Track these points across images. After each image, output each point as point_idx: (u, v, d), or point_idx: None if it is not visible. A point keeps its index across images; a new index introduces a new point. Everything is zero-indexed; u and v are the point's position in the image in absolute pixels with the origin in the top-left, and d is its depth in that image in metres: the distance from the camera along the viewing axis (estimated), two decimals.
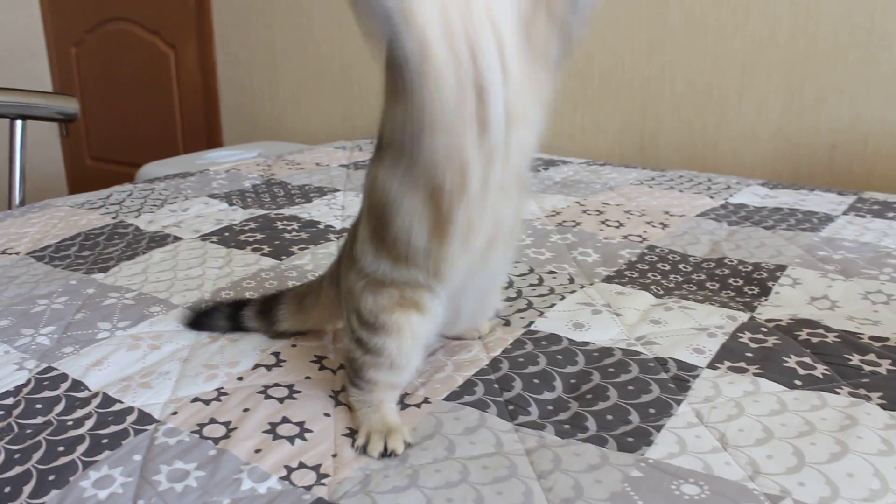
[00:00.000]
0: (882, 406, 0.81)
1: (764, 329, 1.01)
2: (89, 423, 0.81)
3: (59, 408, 0.85)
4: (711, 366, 0.90)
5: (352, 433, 0.79)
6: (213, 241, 1.41)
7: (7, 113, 1.91)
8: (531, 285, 1.17)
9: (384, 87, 0.71)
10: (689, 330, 1.01)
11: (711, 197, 1.72)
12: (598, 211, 1.59)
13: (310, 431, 0.79)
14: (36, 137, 3.80)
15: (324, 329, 1.02)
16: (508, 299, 1.11)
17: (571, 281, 1.20)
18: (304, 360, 0.95)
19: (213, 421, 0.81)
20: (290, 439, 0.77)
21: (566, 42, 0.72)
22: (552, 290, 1.15)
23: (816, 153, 2.11)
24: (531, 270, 1.24)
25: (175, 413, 0.83)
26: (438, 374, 0.90)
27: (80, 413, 0.83)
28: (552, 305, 1.09)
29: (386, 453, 0.74)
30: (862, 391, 0.84)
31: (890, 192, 2.00)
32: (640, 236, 1.42)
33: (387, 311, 0.79)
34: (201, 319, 1.04)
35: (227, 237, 1.44)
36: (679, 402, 0.82)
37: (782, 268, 1.23)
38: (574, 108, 2.43)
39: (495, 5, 0.66)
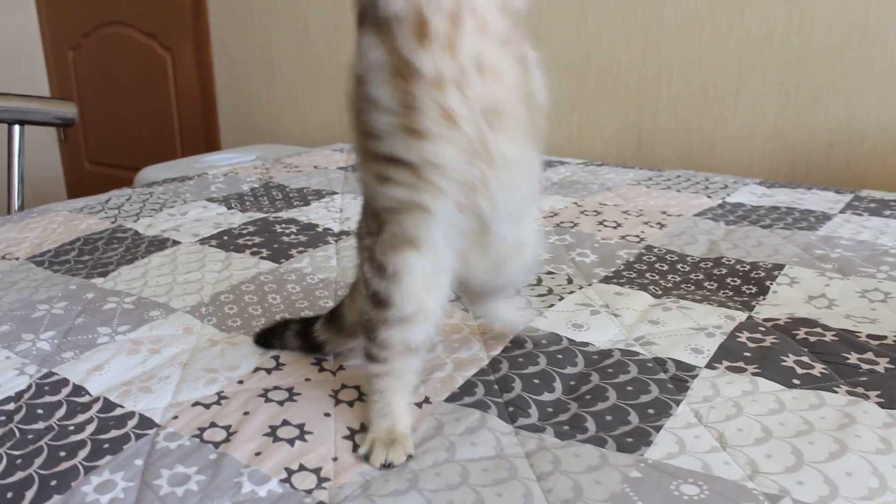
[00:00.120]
0: (880, 404, 0.81)
1: (762, 328, 1.01)
2: (90, 428, 0.81)
3: (61, 413, 0.85)
4: (710, 366, 0.91)
5: (352, 435, 0.79)
6: (211, 245, 1.41)
7: (5, 118, 1.91)
8: (530, 286, 1.18)
9: None
10: (687, 330, 1.01)
11: (709, 196, 1.72)
12: (595, 211, 1.59)
13: (310, 433, 0.79)
14: (34, 142, 3.80)
15: None
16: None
17: (570, 281, 1.20)
18: (304, 362, 0.95)
19: (213, 425, 0.81)
20: (291, 441, 0.78)
21: None
22: (551, 291, 1.16)
23: (813, 152, 2.11)
24: None
25: (176, 417, 0.83)
26: (438, 373, 0.90)
27: (81, 418, 0.84)
28: (551, 306, 1.10)
29: (387, 464, 0.74)
30: (860, 390, 0.84)
31: (886, 189, 2.01)
32: (637, 236, 1.42)
33: (387, 252, 0.75)
34: (269, 338, 1.00)
35: (226, 241, 1.44)
36: (678, 403, 0.82)
37: (780, 267, 1.24)
38: (571, 109, 2.44)
39: None
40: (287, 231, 1.49)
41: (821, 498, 0.66)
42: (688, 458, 0.73)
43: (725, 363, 0.91)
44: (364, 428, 0.80)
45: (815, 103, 2.08)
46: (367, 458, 0.74)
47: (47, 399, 0.88)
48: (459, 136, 0.68)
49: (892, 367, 0.90)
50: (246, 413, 0.83)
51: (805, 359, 0.92)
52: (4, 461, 0.76)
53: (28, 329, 1.06)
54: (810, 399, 0.82)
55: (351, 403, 0.85)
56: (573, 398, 0.85)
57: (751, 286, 1.17)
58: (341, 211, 1.64)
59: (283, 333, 0.99)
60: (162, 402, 0.87)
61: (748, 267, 1.25)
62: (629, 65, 2.32)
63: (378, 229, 0.76)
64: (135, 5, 3.45)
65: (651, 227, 1.48)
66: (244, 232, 1.49)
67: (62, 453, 0.77)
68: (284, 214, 1.62)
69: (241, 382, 0.90)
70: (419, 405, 0.84)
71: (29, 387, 0.90)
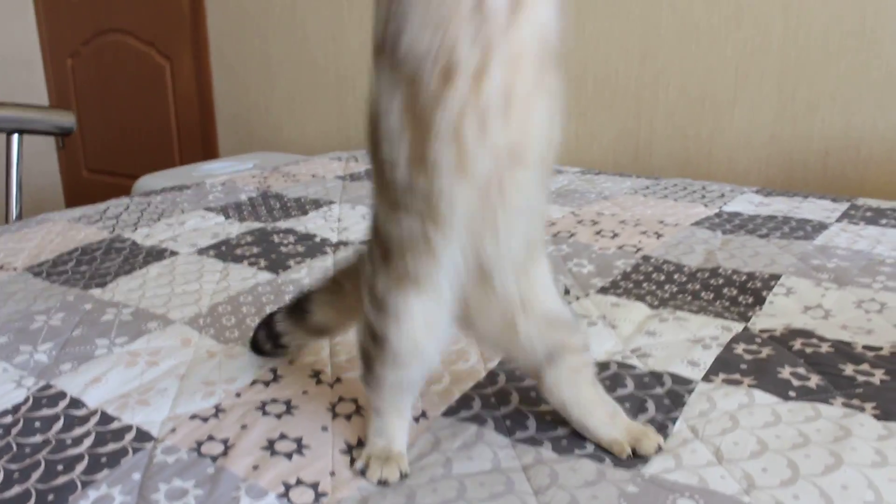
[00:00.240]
0: (876, 416, 0.81)
1: (758, 339, 1.01)
2: (88, 442, 0.82)
3: (58, 426, 0.85)
4: (706, 378, 0.91)
5: (350, 450, 0.79)
6: (209, 256, 1.42)
7: (4, 127, 1.91)
8: None
9: None
10: (683, 341, 1.01)
11: (706, 205, 1.73)
12: (592, 221, 1.59)
13: (307, 447, 0.79)
14: (32, 149, 3.81)
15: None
16: None
17: (567, 292, 1.20)
18: (302, 374, 0.95)
19: (211, 438, 0.81)
20: (288, 455, 0.78)
21: None
22: None
23: (810, 159, 2.12)
24: None
25: (173, 430, 0.83)
26: (436, 386, 0.90)
27: (78, 431, 0.84)
28: None
29: (382, 481, 0.73)
30: (856, 402, 0.85)
31: (883, 197, 2.01)
32: (634, 246, 1.43)
33: (391, 289, 0.73)
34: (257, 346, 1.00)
35: (224, 251, 1.44)
36: (674, 421, 0.82)
37: (776, 277, 1.24)
38: (568, 117, 2.44)
39: None
40: (285, 241, 1.50)
41: None
42: (684, 472, 0.73)
43: (722, 375, 0.91)
44: (361, 442, 0.80)
45: (812, 111, 2.09)
46: (363, 472, 0.74)
47: (45, 412, 0.88)
48: (475, 179, 0.65)
49: (888, 378, 0.90)
50: (244, 426, 0.83)
51: (801, 370, 0.92)
52: (2, 475, 0.76)
53: (26, 341, 1.06)
54: (806, 411, 0.83)
55: (348, 417, 0.85)
56: None
57: (747, 296, 1.18)
58: (339, 221, 1.64)
59: (258, 336, 0.99)
60: (160, 414, 0.87)
61: (745, 277, 1.25)
62: (626, 73, 2.33)
63: (382, 258, 0.74)
64: (133, 13, 3.46)
65: (648, 236, 1.48)
66: (242, 242, 1.49)
67: (60, 467, 0.77)
68: (282, 224, 1.62)
69: (238, 395, 0.90)
70: (416, 419, 0.84)
71: (26, 399, 0.91)
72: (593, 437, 0.78)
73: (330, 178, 2.09)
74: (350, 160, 2.33)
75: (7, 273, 1.36)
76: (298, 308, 0.93)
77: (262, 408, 0.87)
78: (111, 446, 0.81)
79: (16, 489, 0.74)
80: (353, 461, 0.77)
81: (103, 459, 0.78)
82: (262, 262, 1.37)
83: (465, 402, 0.87)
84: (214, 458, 0.78)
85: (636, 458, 0.76)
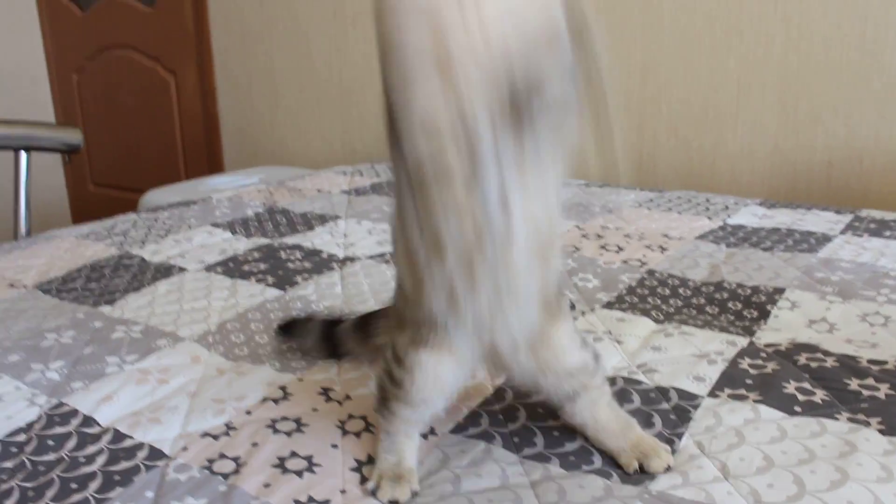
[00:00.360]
0: (881, 431, 0.82)
1: (763, 354, 1.02)
2: (101, 460, 0.83)
3: (71, 444, 0.86)
4: (712, 394, 0.92)
5: (360, 467, 0.80)
6: (217, 272, 1.43)
7: (12, 145, 1.93)
8: None
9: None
10: (689, 356, 1.02)
11: (709, 218, 1.74)
12: (597, 235, 1.60)
13: (318, 465, 0.80)
14: (39, 164, 3.82)
15: None
16: None
17: (573, 307, 1.21)
18: (311, 392, 0.96)
19: (222, 456, 0.82)
20: (299, 473, 0.79)
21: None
22: None
23: (813, 170, 2.13)
24: None
25: (185, 448, 0.84)
26: None
27: (91, 449, 0.85)
28: None
29: (393, 501, 0.74)
30: (861, 416, 0.85)
31: (886, 208, 2.02)
32: (639, 260, 1.44)
33: (408, 348, 0.77)
34: (291, 329, 1.08)
35: (232, 267, 1.45)
36: (681, 436, 0.83)
37: (781, 290, 1.25)
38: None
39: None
40: (292, 257, 1.51)
41: None
42: (691, 489, 0.73)
43: (727, 391, 0.92)
44: (371, 460, 0.81)
45: (814, 122, 2.10)
46: (374, 493, 0.75)
47: (58, 430, 0.89)
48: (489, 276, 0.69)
49: (893, 393, 0.90)
50: (254, 444, 0.84)
51: (806, 385, 0.93)
52: (17, 494, 0.77)
53: (37, 359, 1.07)
54: (812, 426, 0.83)
55: (358, 434, 0.86)
56: None
57: (752, 310, 1.18)
58: (345, 237, 1.65)
59: (306, 326, 1.05)
60: (171, 432, 0.88)
61: (749, 291, 1.26)
62: (629, 86, 2.34)
63: (400, 315, 0.79)
64: (138, 29, 3.49)
65: (653, 250, 1.49)
66: (250, 258, 1.51)
67: (74, 485, 0.78)
68: (289, 240, 1.63)
69: (249, 413, 0.91)
70: (425, 436, 0.85)
71: (39, 417, 0.92)
72: (605, 448, 0.80)
73: (335, 192, 2.10)
74: (355, 174, 2.35)
75: (17, 290, 1.37)
76: (365, 325, 0.99)
77: (273, 425, 0.88)
78: (124, 464, 0.82)
79: None
80: (363, 479, 0.78)
81: (116, 477, 0.79)
82: (270, 279, 1.38)
83: (473, 418, 0.88)
84: (226, 476, 0.79)
85: (643, 473, 0.77)
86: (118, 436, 0.87)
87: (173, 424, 0.89)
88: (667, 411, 0.88)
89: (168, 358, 1.07)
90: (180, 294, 1.32)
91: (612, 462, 0.79)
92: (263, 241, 1.63)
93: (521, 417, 0.88)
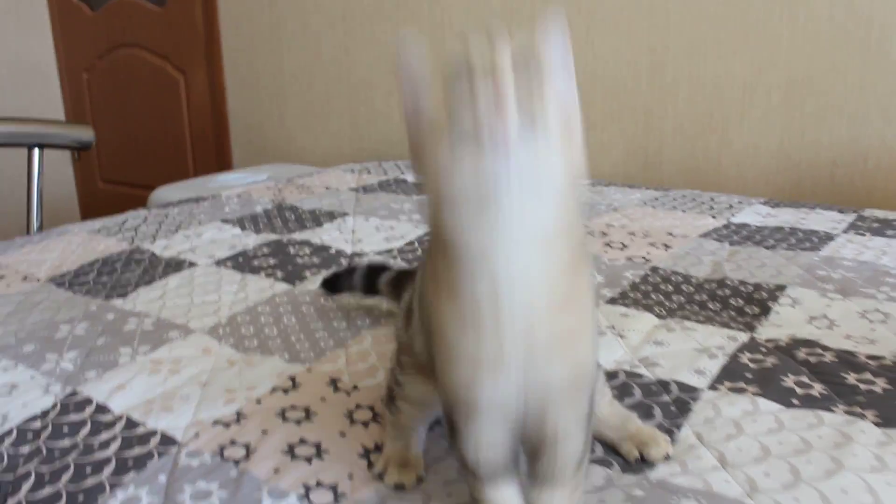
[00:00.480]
0: (876, 424, 0.84)
1: (763, 349, 1.04)
2: (115, 446, 0.85)
3: (86, 430, 0.88)
4: (712, 387, 0.93)
5: (367, 454, 0.82)
6: (227, 267, 1.45)
7: (25, 142, 1.96)
8: None
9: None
10: (690, 351, 1.04)
11: (714, 217, 1.75)
12: (602, 233, 1.62)
13: (326, 452, 0.82)
14: (48, 160, 3.87)
15: None
16: None
17: None
18: (320, 382, 0.98)
19: (233, 443, 0.85)
20: (308, 459, 0.81)
21: None
22: None
23: (817, 170, 2.14)
24: None
25: (196, 435, 0.86)
26: None
27: (105, 435, 0.87)
28: None
29: (399, 485, 0.76)
30: (857, 409, 0.87)
31: (890, 208, 2.03)
32: (643, 258, 1.45)
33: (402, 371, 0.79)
34: (337, 282, 1.20)
35: (242, 262, 1.48)
36: (680, 427, 0.85)
37: (782, 287, 1.27)
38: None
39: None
40: (301, 253, 1.53)
41: None
42: (689, 476, 0.75)
43: (727, 384, 0.94)
44: (379, 448, 0.83)
45: (819, 123, 2.11)
46: (380, 477, 0.77)
47: (73, 417, 0.91)
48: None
49: (890, 387, 0.92)
50: (264, 432, 0.86)
51: (805, 379, 0.94)
52: (33, 478, 0.79)
53: (52, 349, 1.10)
54: (809, 418, 0.85)
55: (366, 424, 0.88)
56: None
57: (753, 307, 1.20)
58: (353, 233, 1.68)
59: (352, 275, 1.18)
60: (183, 420, 0.90)
61: (751, 288, 1.27)
62: (635, 86, 2.36)
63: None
64: (148, 27, 3.52)
65: (657, 248, 1.51)
66: (259, 253, 1.53)
67: (88, 469, 0.80)
68: (298, 236, 1.66)
69: (259, 402, 0.93)
70: (431, 428, 0.87)
71: (54, 405, 0.94)
72: (606, 439, 0.82)
73: (343, 189, 2.13)
74: (363, 172, 2.37)
75: (31, 283, 1.39)
76: (400, 284, 1.08)
77: (282, 414, 0.90)
78: (137, 450, 0.84)
79: (47, 490, 0.77)
80: (370, 465, 0.80)
81: (130, 462, 0.81)
82: (279, 274, 1.40)
83: None
84: (237, 462, 0.81)
85: (644, 462, 0.78)
86: (131, 423, 0.90)
87: (185, 413, 0.92)
88: (667, 403, 0.90)
89: (179, 349, 1.09)
90: (191, 288, 1.34)
91: (612, 452, 0.81)
92: (272, 236, 1.66)
93: None
